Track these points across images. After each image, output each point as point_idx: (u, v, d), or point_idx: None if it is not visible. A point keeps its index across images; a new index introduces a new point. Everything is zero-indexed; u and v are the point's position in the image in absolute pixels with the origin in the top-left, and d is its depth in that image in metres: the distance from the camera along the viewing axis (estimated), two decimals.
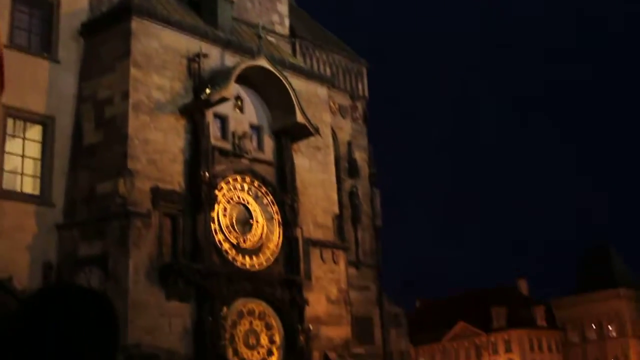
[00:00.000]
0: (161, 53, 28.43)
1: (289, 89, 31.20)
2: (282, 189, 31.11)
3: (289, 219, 30.78)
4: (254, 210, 29.97)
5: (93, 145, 27.55)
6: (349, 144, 40.18)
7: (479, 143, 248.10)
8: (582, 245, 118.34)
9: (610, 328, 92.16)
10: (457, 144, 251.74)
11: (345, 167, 39.49)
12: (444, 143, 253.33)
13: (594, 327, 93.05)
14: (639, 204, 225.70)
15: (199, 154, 28.32)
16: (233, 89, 29.62)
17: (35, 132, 27.74)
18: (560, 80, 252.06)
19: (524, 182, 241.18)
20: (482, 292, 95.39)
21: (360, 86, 42.69)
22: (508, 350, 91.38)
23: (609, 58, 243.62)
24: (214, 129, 29.63)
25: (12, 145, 27.18)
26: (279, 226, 30.51)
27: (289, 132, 31.93)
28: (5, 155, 26.64)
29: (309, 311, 30.60)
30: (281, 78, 31.09)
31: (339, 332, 32.39)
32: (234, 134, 30.29)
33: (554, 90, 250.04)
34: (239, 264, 28.75)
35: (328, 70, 39.19)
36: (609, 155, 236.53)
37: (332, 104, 38.09)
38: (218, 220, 28.46)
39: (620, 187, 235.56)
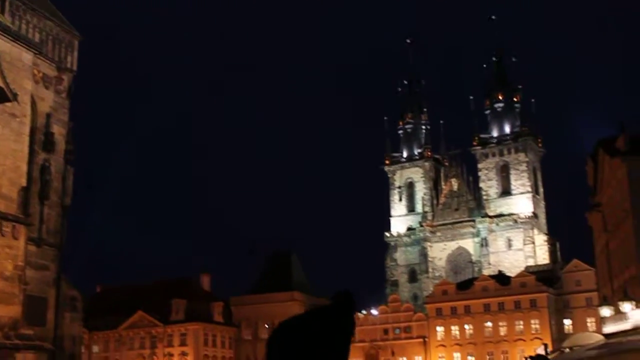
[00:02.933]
0: None
1: None
2: None
3: None
4: None
5: None
6: (48, 116, 38.44)
7: (183, 138, 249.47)
8: (268, 249, 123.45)
9: None
10: (163, 135, 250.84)
11: (41, 140, 37.74)
12: (151, 130, 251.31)
13: (266, 326, 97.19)
14: (318, 218, 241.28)
15: None
16: None
17: None
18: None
19: (221, 182, 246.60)
20: (164, 283, 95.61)
21: (69, 58, 41.05)
22: (183, 343, 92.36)
23: None
24: None
25: None
26: None
27: None
28: None
29: None
30: None
31: (9, 311, 30.75)
32: None
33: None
34: None
35: (37, 35, 37.18)
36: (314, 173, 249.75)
37: (36, 71, 36.19)
38: None
39: (308, 200, 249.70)
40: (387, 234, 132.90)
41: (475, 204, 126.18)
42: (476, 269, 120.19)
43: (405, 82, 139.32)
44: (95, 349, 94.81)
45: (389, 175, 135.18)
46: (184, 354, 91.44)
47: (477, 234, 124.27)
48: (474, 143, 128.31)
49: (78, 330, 41.67)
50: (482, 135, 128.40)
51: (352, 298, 2.76)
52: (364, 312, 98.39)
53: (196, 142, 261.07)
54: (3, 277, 30.69)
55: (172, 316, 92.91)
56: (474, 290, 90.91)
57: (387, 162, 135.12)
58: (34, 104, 36.02)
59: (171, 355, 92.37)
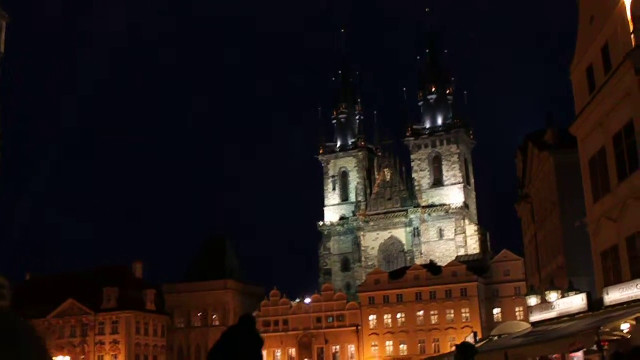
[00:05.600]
0: None
1: None
2: None
3: None
4: None
5: None
6: None
7: (111, 125, 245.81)
8: (202, 236, 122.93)
9: (215, 317, 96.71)
10: (94, 121, 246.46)
11: None
12: (80, 115, 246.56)
13: (199, 314, 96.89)
14: (252, 206, 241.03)
15: None
16: None
17: None
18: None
19: (154, 170, 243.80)
20: (96, 271, 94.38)
21: None
22: (115, 331, 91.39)
23: None
24: None
25: None
26: None
27: None
28: None
29: None
30: None
31: None
32: None
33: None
34: None
35: None
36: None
37: None
38: None
39: (242, 188, 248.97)
40: (320, 223, 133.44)
41: (408, 194, 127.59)
42: (408, 258, 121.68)
43: (340, 72, 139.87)
44: None
45: (323, 165, 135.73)
46: (115, 342, 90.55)
47: (409, 224, 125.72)
48: (407, 134, 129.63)
49: None
50: (415, 127, 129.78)
51: (253, 321, 2.95)
52: (297, 300, 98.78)
53: (128, 128, 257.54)
54: None
55: (104, 304, 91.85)
56: (406, 280, 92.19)
57: (321, 151, 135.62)
58: None
59: (102, 344, 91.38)
